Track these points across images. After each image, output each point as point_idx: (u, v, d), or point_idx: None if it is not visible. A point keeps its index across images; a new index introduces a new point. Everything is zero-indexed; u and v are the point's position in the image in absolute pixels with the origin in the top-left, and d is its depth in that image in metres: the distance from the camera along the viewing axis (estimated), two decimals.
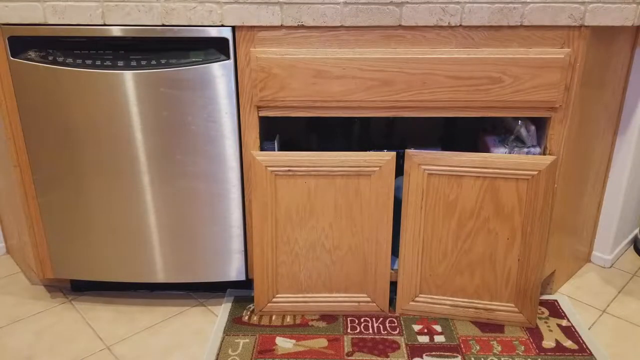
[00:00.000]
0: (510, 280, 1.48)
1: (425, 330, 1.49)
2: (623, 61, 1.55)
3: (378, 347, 1.42)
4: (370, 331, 1.49)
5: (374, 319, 1.54)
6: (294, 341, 1.45)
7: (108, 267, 1.55)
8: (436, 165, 1.40)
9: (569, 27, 1.30)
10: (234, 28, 1.31)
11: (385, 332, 1.49)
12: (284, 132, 1.78)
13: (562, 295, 1.67)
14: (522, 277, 1.46)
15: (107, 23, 1.30)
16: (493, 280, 1.49)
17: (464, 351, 1.41)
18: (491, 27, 1.30)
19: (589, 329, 1.52)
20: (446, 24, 1.28)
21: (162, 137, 1.40)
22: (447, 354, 1.40)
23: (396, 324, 1.52)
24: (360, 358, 1.38)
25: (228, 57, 1.33)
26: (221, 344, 1.43)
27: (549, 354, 1.41)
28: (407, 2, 1.26)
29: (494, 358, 1.39)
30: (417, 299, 1.54)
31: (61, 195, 1.49)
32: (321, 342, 1.44)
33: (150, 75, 1.34)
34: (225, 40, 1.31)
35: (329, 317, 1.55)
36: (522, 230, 1.42)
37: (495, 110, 1.37)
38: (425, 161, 1.40)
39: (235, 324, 1.52)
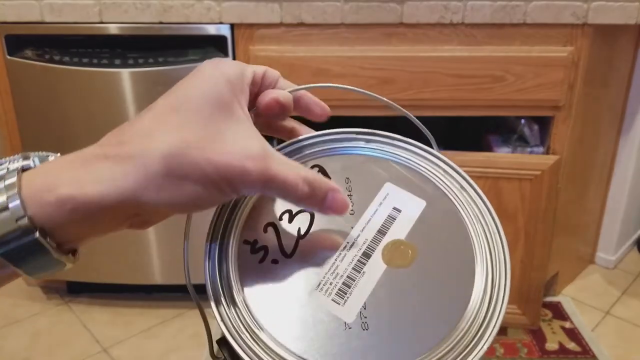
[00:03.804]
0: (513, 282, 1.46)
1: None
2: (626, 60, 1.53)
3: None
4: None
5: None
6: None
7: (105, 269, 1.53)
8: None
9: (572, 25, 1.28)
10: (232, 26, 1.29)
11: None
12: None
13: (566, 297, 1.65)
14: (525, 278, 1.45)
15: (104, 21, 1.29)
16: None
17: None
18: (493, 25, 1.28)
19: (592, 330, 1.51)
20: (448, 22, 1.27)
21: None
22: None
23: None
24: None
25: (227, 55, 1.31)
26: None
27: (552, 356, 1.39)
28: None
29: None
30: None
31: None
32: None
33: (148, 74, 1.32)
34: (223, 38, 1.30)
35: None
36: (525, 231, 1.40)
37: (498, 109, 1.35)
38: None
39: None
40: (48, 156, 0.30)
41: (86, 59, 1.33)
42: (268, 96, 0.33)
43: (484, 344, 0.31)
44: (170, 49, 1.33)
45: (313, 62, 1.30)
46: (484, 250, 0.34)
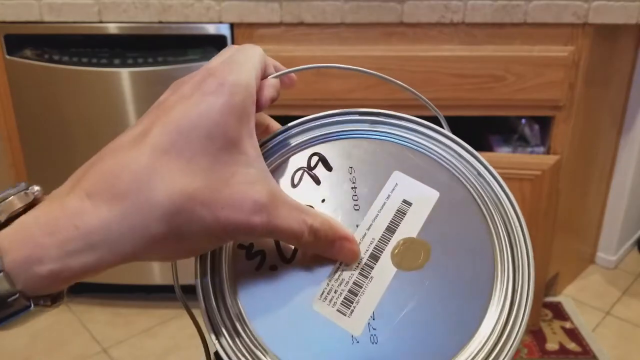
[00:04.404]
0: None
1: None
2: (627, 59, 1.53)
3: None
4: None
5: None
6: None
7: None
8: None
9: (573, 24, 1.28)
10: (232, 25, 1.29)
11: None
12: None
13: (566, 297, 1.65)
14: None
15: (103, 20, 1.28)
16: None
17: None
18: (494, 24, 1.27)
19: (592, 331, 1.50)
20: (448, 21, 1.26)
21: None
22: None
23: None
24: None
25: None
26: None
27: (553, 356, 1.39)
28: None
29: None
30: None
31: None
32: None
33: (147, 74, 1.32)
34: (223, 37, 1.29)
35: None
36: None
37: (498, 109, 1.35)
38: None
39: None
40: (10, 195, 0.26)
41: (85, 58, 1.33)
42: (264, 93, 0.30)
43: (506, 354, 0.28)
44: (169, 48, 1.32)
45: (313, 62, 1.29)
46: (504, 245, 0.30)
